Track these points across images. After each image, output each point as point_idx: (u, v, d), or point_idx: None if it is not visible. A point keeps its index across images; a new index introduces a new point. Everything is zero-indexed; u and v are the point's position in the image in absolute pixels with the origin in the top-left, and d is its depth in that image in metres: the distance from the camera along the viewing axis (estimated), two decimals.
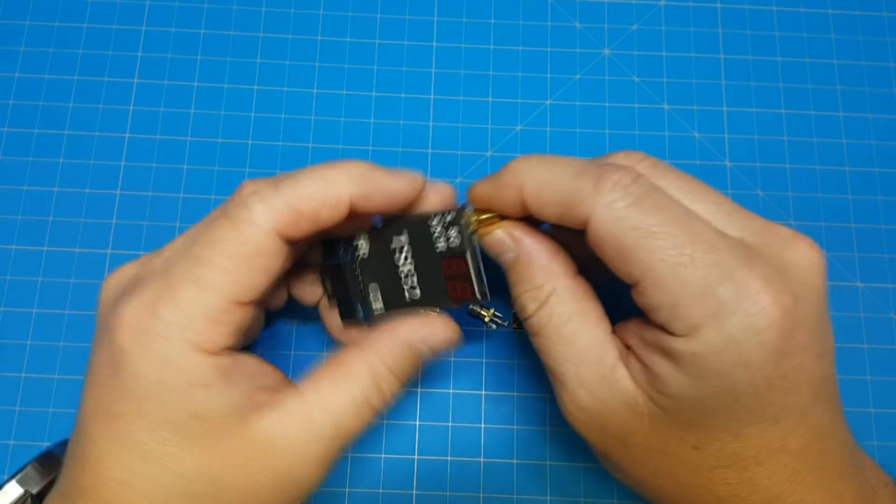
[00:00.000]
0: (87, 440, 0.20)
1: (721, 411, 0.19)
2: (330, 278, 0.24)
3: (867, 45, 0.35)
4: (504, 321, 0.30)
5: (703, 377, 0.19)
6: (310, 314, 0.31)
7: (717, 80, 0.34)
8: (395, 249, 0.22)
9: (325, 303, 0.26)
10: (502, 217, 0.23)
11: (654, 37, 0.35)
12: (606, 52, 0.35)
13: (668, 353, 0.20)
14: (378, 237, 0.22)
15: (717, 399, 0.19)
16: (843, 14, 0.35)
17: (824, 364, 0.20)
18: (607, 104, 0.34)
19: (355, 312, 0.24)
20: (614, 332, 0.22)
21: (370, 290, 0.23)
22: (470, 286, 0.21)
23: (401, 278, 0.22)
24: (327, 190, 0.20)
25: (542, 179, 0.21)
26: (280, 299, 0.26)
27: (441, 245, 0.22)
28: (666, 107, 0.34)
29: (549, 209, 0.21)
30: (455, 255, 0.21)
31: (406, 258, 0.22)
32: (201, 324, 0.19)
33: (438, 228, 0.22)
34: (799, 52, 0.35)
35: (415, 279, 0.22)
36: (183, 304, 0.19)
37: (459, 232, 0.21)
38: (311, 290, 0.26)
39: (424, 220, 0.22)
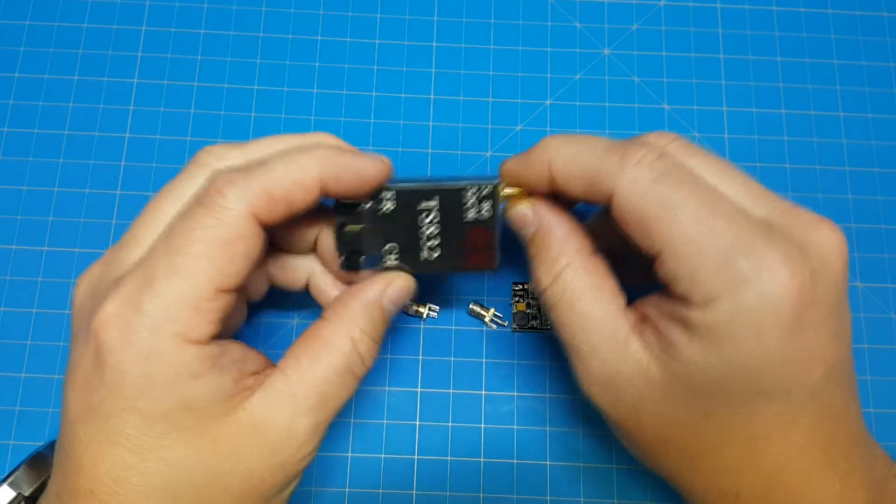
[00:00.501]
0: (77, 441, 0.20)
1: (733, 381, 0.20)
2: (342, 231, 0.24)
3: (867, 45, 0.35)
4: (504, 321, 0.30)
5: (716, 345, 0.19)
6: (314, 312, 0.31)
7: (717, 79, 0.34)
8: (421, 210, 0.23)
9: (317, 269, 0.26)
10: (529, 194, 0.24)
11: (654, 37, 0.35)
12: (606, 52, 0.35)
13: (684, 323, 0.20)
14: (406, 197, 0.23)
15: (730, 368, 0.19)
16: (843, 14, 0.35)
17: (839, 346, 0.20)
18: (607, 104, 0.34)
19: (360, 264, 0.24)
20: (633, 306, 0.22)
21: (386, 245, 0.24)
22: (491, 256, 0.24)
23: (420, 238, 0.24)
24: (297, 173, 0.21)
25: (569, 154, 0.22)
26: (261, 288, 0.27)
27: (471, 215, 0.23)
28: (666, 107, 0.34)
29: (574, 183, 0.22)
30: (483, 226, 0.23)
31: (432, 221, 0.23)
32: (186, 314, 0.19)
33: (472, 199, 0.23)
34: (799, 52, 0.35)
35: (436, 241, 0.24)
36: (165, 295, 0.19)
37: (492, 206, 0.23)
38: (293, 275, 0.26)
39: (459, 189, 0.23)
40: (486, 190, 0.23)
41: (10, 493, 0.26)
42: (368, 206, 0.24)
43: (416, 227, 0.24)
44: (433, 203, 0.23)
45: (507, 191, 0.24)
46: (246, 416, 0.20)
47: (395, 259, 0.24)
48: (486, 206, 0.23)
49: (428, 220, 0.24)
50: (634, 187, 0.20)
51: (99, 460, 0.20)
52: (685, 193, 0.20)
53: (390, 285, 0.23)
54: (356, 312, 0.23)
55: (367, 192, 0.23)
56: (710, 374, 0.20)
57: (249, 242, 0.20)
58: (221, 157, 0.22)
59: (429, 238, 0.24)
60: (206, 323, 0.20)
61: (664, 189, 0.20)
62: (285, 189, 0.21)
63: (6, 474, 0.27)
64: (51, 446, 0.28)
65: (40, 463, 0.27)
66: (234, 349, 0.21)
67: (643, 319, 0.22)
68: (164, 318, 0.19)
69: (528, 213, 0.24)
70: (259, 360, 0.22)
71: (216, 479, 0.20)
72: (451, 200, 0.23)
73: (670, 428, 0.21)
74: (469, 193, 0.23)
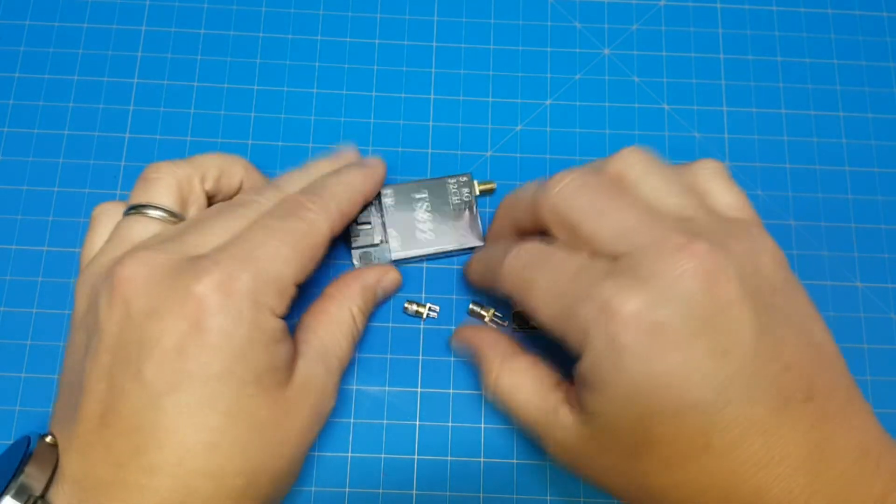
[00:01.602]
0: (163, 414, 0.20)
1: (623, 424, 0.21)
2: (357, 228, 0.30)
3: (867, 45, 0.35)
4: (504, 321, 0.30)
5: (598, 393, 0.21)
6: None
7: (717, 79, 0.34)
8: (415, 199, 0.29)
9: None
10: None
11: (654, 37, 0.35)
12: (606, 52, 0.35)
13: (579, 377, 0.22)
14: (402, 192, 0.30)
15: (617, 410, 0.21)
16: (843, 14, 0.35)
17: (729, 360, 0.20)
18: (607, 104, 0.34)
19: (372, 257, 0.30)
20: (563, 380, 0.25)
21: (389, 232, 0.30)
22: (473, 229, 0.30)
23: (416, 222, 0.30)
24: (357, 194, 0.27)
25: (513, 197, 0.27)
26: None
27: (455, 199, 0.29)
28: (666, 107, 0.34)
29: (523, 220, 0.26)
30: (466, 207, 0.30)
31: (424, 209, 0.30)
32: (274, 295, 0.22)
33: (454, 188, 0.30)
34: (799, 52, 0.35)
35: (429, 224, 0.30)
36: (265, 273, 0.22)
37: (470, 192, 0.30)
38: None
39: (444, 180, 0.30)
40: (464, 179, 0.30)
41: None
42: (373, 204, 0.30)
43: (411, 215, 0.30)
44: (423, 194, 0.30)
45: (484, 185, 0.31)
46: (298, 377, 0.24)
47: (397, 242, 0.30)
48: (466, 191, 0.30)
49: (420, 208, 0.30)
50: (554, 207, 0.24)
51: (192, 429, 0.20)
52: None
53: (385, 276, 0.29)
54: (356, 292, 0.28)
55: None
56: (612, 421, 0.21)
57: (323, 250, 0.25)
58: (288, 181, 0.27)
59: (423, 222, 0.30)
60: (284, 304, 0.23)
61: (567, 211, 0.23)
62: (352, 209, 0.26)
63: (6, 483, 0.23)
64: (23, 441, 0.25)
65: (41, 461, 0.25)
66: (285, 324, 0.24)
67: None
68: (263, 292, 0.22)
69: (457, 340, 0.29)
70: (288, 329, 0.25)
71: (284, 438, 0.23)
72: (439, 189, 0.30)
73: (622, 464, 0.22)
74: (451, 183, 0.30)
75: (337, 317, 0.27)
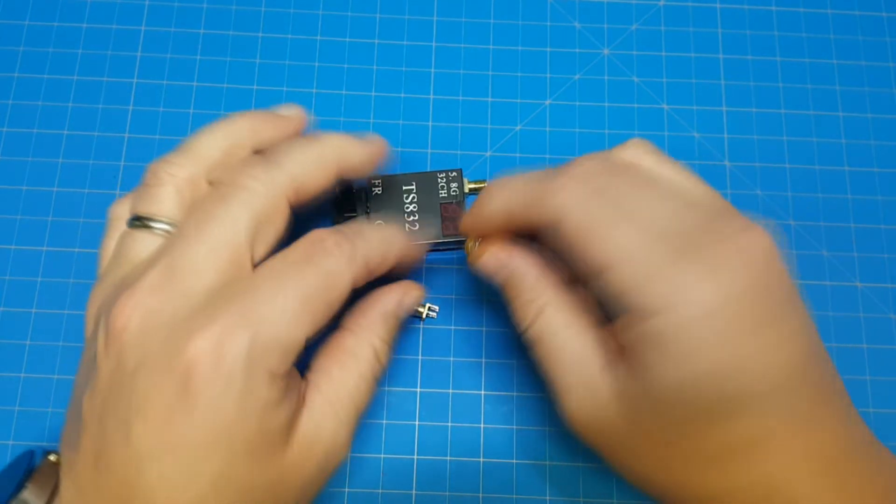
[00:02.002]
0: (143, 479, 0.19)
1: (703, 391, 0.19)
2: (342, 211, 0.29)
3: (867, 44, 0.35)
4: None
5: (681, 353, 0.19)
6: None
7: (716, 80, 0.34)
8: (404, 191, 0.29)
9: None
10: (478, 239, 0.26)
11: (654, 37, 0.35)
12: (606, 52, 0.35)
13: (646, 340, 0.20)
14: (391, 182, 0.29)
15: (699, 376, 0.19)
16: (843, 14, 0.35)
17: (802, 343, 0.20)
18: (607, 104, 0.34)
19: None
20: (612, 332, 0.22)
21: (376, 222, 0.29)
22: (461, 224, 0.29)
23: (404, 214, 0.29)
24: (388, 249, 0.23)
25: (509, 190, 0.23)
26: None
27: (443, 193, 0.29)
28: (665, 107, 0.34)
29: (518, 216, 0.23)
30: (453, 200, 0.29)
31: (412, 201, 0.29)
32: (277, 358, 0.20)
33: (442, 182, 0.29)
34: (798, 52, 0.35)
35: (416, 216, 0.29)
36: (266, 336, 0.20)
37: (458, 186, 0.29)
38: None
39: (433, 174, 0.29)
40: (453, 174, 0.29)
41: None
42: (359, 190, 0.29)
43: (400, 207, 0.29)
44: (412, 187, 0.29)
45: (475, 184, 0.29)
46: (300, 436, 0.21)
47: None
48: (454, 185, 0.29)
49: (408, 200, 0.29)
50: (575, 201, 0.20)
51: (176, 494, 0.19)
52: (626, 204, 0.20)
53: (406, 296, 0.25)
54: (376, 322, 0.24)
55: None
56: (684, 387, 0.19)
57: (339, 306, 0.22)
58: (262, 176, 0.23)
59: (410, 214, 0.29)
60: (286, 367, 0.20)
61: (602, 204, 0.20)
62: (378, 263, 0.23)
63: (6, 497, 0.24)
64: (26, 456, 0.26)
65: (42, 479, 0.25)
66: (292, 371, 0.21)
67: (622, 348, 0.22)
68: (260, 357, 0.19)
69: (492, 261, 0.24)
70: (297, 375, 0.22)
71: (278, 498, 0.21)
72: (427, 182, 0.29)
73: (664, 452, 0.21)
74: (440, 177, 0.29)
75: (355, 355, 0.23)
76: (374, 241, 0.23)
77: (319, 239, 0.22)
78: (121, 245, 0.23)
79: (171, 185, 0.23)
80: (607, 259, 0.20)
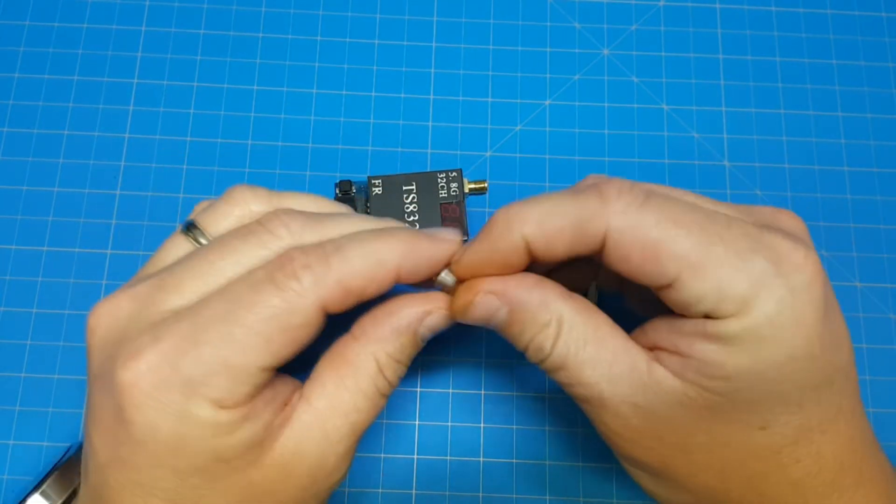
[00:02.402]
0: (108, 487, 0.19)
1: (782, 382, 0.19)
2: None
3: (866, 45, 0.35)
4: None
5: (760, 349, 0.19)
6: None
7: (716, 80, 0.34)
8: (404, 191, 0.29)
9: None
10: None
11: (654, 37, 0.35)
12: (605, 52, 0.35)
13: (716, 338, 0.19)
14: (391, 183, 0.29)
15: (778, 369, 0.19)
16: (842, 14, 0.35)
17: (846, 326, 0.21)
18: (606, 104, 0.34)
19: None
20: (633, 338, 0.21)
21: (384, 222, 0.28)
22: (462, 224, 0.29)
23: (404, 214, 0.28)
24: (377, 268, 0.20)
25: (541, 212, 0.20)
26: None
27: (443, 194, 0.28)
28: (665, 107, 0.34)
29: (558, 240, 0.20)
30: (453, 201, 0.28)
31: (412, 201, 0.28)
32: (225, 384, 0.18)
33: (442, 182, 0.29)
34: (798, 52, 0.35)
35: (416, 217, 0.28)
36: (209, 362, 0.18)
37: (458, 186, 0.28)
38: None
39: (433, 174, 0.29)
40: (453, 174, 0.29)
41: (41, 503, 0.26)
42: (358, 190, 0.29)
43: (399, 207, 0.29)
44: (412, 187, 0.29)
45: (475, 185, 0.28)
46: (277, 456, 0.20)
47: None
48: (454, 185, 0.28)
49: (408, 200, 0.29)
50: (627, 218, 0.19)
51: None
52: (679, 209, 0.19)
53: (431, 315, 0.22)
54: (386, 335, 0.21)
55: (431, 276, 0.22)
56: (759, 382, 0.19)
57: (310, 331, 0.19)
58: (297, 234, 0.21)
59: (410, 214, 0.28)
60: (242, 394, 0.19)
61: (657, 211, 0.19)
62: (361, 283, 0.20)
63: (36, 482, 0.26)
64: (79, 451, 0.27)
65: (70, 471, 0.27)
66: (266, 392, 0.20)
67: (653, 348, 0.21)
68: (202, 382, 0.18)
69: (489, 299, 0.21)
70: (285, 388, 0.21)
71: None
72: (428, 183, 0.29)
73: (726, 454, 0.20)
74: (440, 177, 0.29)
75: (356, 368, 0.21)
76: (356, 261, 0.20)
77: (289, 258, 0.19)
78: (166, 245, 0.23)
79: (242, 211, 0.22)
80: (678, 269, 0.19)
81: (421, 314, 0.21)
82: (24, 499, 0.26)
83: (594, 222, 0.19)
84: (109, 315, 0.20)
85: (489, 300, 0.21)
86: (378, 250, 0.20)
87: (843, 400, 0.20)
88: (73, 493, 0.26)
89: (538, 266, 0.21)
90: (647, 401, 0.20)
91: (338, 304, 0.20)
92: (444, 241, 0.21)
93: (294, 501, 0.20)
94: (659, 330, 0.21)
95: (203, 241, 0.22)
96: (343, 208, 0.24)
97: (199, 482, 0.19)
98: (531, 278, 0.21)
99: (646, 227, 0.19)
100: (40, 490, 0.26)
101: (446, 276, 0.22)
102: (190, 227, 0.22)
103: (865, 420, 0.21)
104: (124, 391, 0.18)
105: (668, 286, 0.19)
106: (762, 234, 0.19)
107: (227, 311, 0.19)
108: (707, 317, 0.19)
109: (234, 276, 0.20)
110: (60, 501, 0.26)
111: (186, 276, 0.20)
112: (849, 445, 0.20)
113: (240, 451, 0.19)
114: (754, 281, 0.19)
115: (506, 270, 0.21)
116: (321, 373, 0.21)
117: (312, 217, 0.21)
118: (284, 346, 0.19)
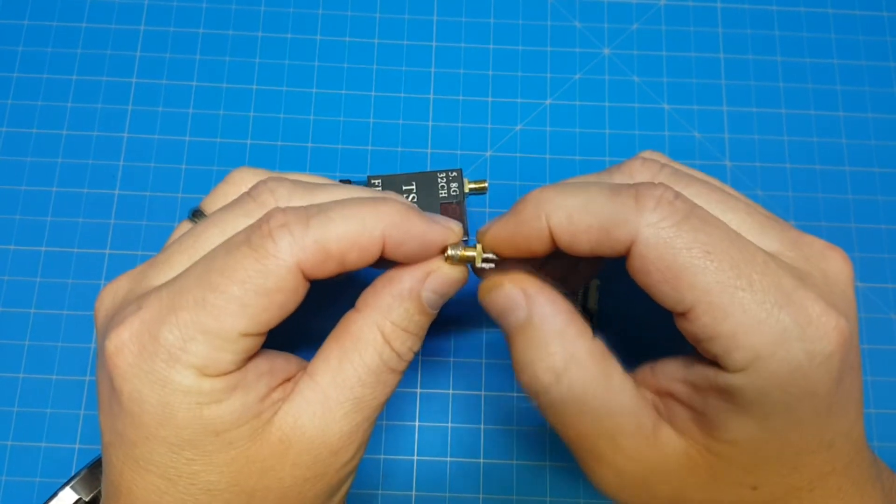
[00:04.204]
0: (111, 466, 0.20)
1: (783, 447, 0.18)
2: None
3: (867, 44, 0.35)
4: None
5: (768, 414, 0.18)
6: None
7: (717, 79, 0.34)
8: (404, 191, 0.28)
9: None
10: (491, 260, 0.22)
11: (655, 36, 0.35)
12: (606, 51, 0.35)
13: (725, 393, 0.18)
14: (390, 183, 0.28)
15: (781, 435, 0.18)
16: (843, 14, 0.35)
17: (861, 378, 0.20)
18: (607, 104, 0.34)
19: None
20: (641, 379, 0.21)
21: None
22: (462, 224, 0.27)
23: None
24: (360, 232, 0.19)
25: (572, 205, 0.19)
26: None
27: (443, 193, 0.28)
28: (666, 106, 0.34)
29: (583, 237, 0.19)
30: (454, 201, 0.28)
31: (412, 200, 0.28)
32: (204, 349, 0.18)
33: (443, 182, 0.28)
34: (799, 51, 0.35)
35: None
36: (186, 327, 0.18)
37: (458, 186, 0.28)
38: None
39: (433, 174, 0.28)
40: (453, 174, 0.28)
41: (72, 496, 0.26)
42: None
43: None
44: (412, 187, 0.28)
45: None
46: (275, 431, 0.19)
47: None
48: (454, 185, 0.28)
49: (408, 200, 0.28)
50: (658, 233, 0.18)
51: (133, 486, 0.19)
52: (715, 237, 0.18)
53: (433, 274, 0.20)
54: (387, 303, 0.20)
55: (425, 258, 0.21)
56: (762, 447, 0.18)
57: (289, 295, 0.19)
58: (283, 200, 0.20)
59: None
60: (225, 361, 0.18)
61: (692, 233, 0.18)
62: (342, 247, 0.19)
63: (70, 477, 0.27)
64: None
65: (96, 474, 0.27)
66: (260, 363, 0.20)
67: (662, 394, 0.20)
68: (182, 349, 0.18)
69: (517, 297, 0.20)
70: (288, 366, 0.21)
71: (254, 499, 0.19)
72: (427, 182, 0.28)
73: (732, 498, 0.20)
74: (440, 177, 0.28)
75: (360, 339, 0.20)
76: (338, 223, 0.19)
77: (267, 217, 0.19)
78: (174, 233, 0.23)
79: (239, 192, 0.22)
80: (694, 301, 0.18)
81: (421, 276, 0.20)
82: (56, 492, 0.27)
83: (624, 228, 0.18)
84: (109, 294, 0.21)
85: (516, 295, 0.20)
86: (364, 215, 0.19)
87: (839, 459, 0.19)
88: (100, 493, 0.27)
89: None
90: (647, 458, 0.19)
91: (317, 267, 0.19)
92: (440, 225, 0.20)
93: (296, 481, 0.19)
94: (672, 374, 0.20)
95: None
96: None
97: (192, 456, 0.18)
98: (566, 304, 0.20)
99: (675, 248, 0.18)
100: (71, 484, 0.27)
101: (455, 252, 0.21)
102: (195, 214, 0.23)
103: (863, 467, 0.20)
104: (110, 361, 0.18)
105: (683, 315, 0.18)
106: (796, 289, 0.18)
107: (200, 275, 0.18)
108: (717, 362, 0.19)
109: (219, 242, 0.20)
110: (89, 497, 0.27)
111: (175, 251, 0.20)
112: (836, 495, 0.20)
113: (231, 422, 0.18)
114: (773, 339, 0.17)
115: (526, 254, 0.21)
116: (326, 348, 0.20)
117: (301, 185, 0.20)
118: (263, 310, 0.18)
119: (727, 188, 0.22)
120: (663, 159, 0.22)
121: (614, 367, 0.20)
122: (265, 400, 0.19)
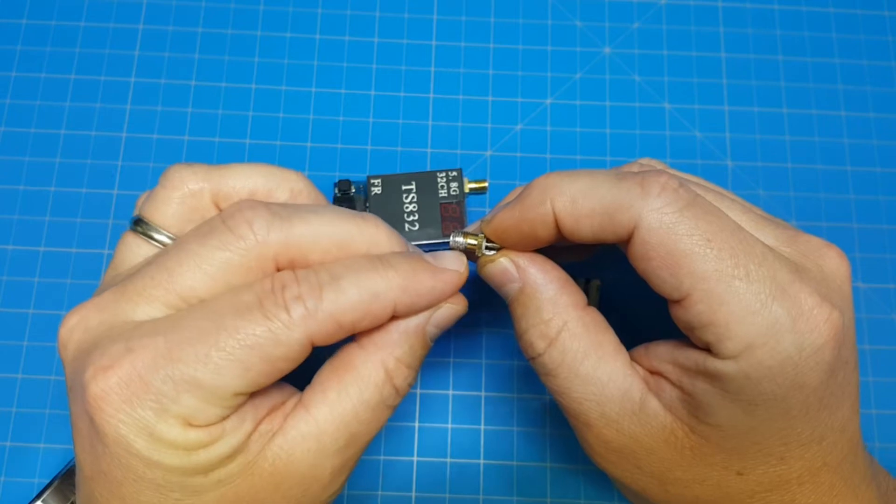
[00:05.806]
0: (94, 501, 0.19)
1: (770, 435, 0.19)
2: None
3: (869, 43, 0.35)
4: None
5: (755, 402, 0.18)
6: None
7: (718, 78, 0.34)
8: (404, 191, 0.28)
9: None
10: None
11: (655, 35, 0.35)
12: (607, 50, 0.35)
13: (714, 378, 0.19)
14: (390, 183, 0.28)
15: (768, 424, 0.18)
16: (845, 13, 0.35)
17: (857, 374, 0.20)
18: (608, 103, 0.34)
19: None
20: (635, 358, 0.21)
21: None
22: (462, 223, 0.28)
23: (403, 214, 0.28)
24: (372, 303, 0.19)
25: (577, 189, 0.20)
26: None
27: (443, 193, 0.28)
28: (667, 106, 0.34)
29: (587, 221, 0.20)
30: (453, 200, 0.28)
31: (411, 201, 0.28)
32: (195, 402, 0.18)
33: (442, 181, 0.28)
34: (800, 50, 0.35)
35: (415, 216, 0.28)
36: (181, 381, 0.17)
37: (458, 186, 0.28)
38: None
39: (433, 174, 0.28)
40: (453, 174, 0.28)
41: None
42: (357, 190, 0.29)
43: (399, 207, 0.28)
44: (412, 186, 0.28)
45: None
46: (268, 466, 0.19)
47: None
48: (454, 185, 0.28)
49: (408, 199, 0.28)
50: (661, 218, 0.18)
51: None
52: (716, 227, 0.18)
53: (439, 310, 0.20)
54: (394, 339, 0.20)
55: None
56: (747, 433, 0.19)
57: (293, 363, 0.18)
58: (262, 233, 0.19)
59: (409, 214, 0.28)
60: (213, 415, 0.18)
61: (694, 221, 0.18)
62: (354, 318, 0.19)
63: (36, 493, 0.26)
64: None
65: (69, 484, 0.27)
66: (245, 408, 0.19)
67: (653, 373, 0.21)
68: (174, 400, 0.17)
69: (510, 268, 0.21)
70: (280, 395, 0.20)
71: None
72: (427, 182, 0.28)
73: (700, 490, 0.20)
74: (440, 177, 0.28)
75: (360, 376, 0.19)
76: (351, 293, 0.18)
77: (281, 285, 0.18)
78: (119, 248, 0.22)
79: (180, 192, 0.21)
80: (691, 287, 0.18)
81: (429, 311, 0.20)
82: None
83: (627, 212, 0.19)
84: (79, 326, 0.19)
85: (510, 268, 0.21)
86: (375, 283, 0.19)
87: (831, 455, 0.19)
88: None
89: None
90: (633, 429, 0.20)
91: (328, 338, 0.19)
92: (447, 274, 0.20)
93: None
94: (663, 355, 0.21)
95: (155, 234, 0.21)
96: (293, 176, 0.22)
97: (181, 496, 0.18)
98: (559, 273, 0.21)
99: (676, 234, 0.18)
100: (41, 499, 0.26)
101: (458, 239, 0.23)
102: (137, 223, 0.21)
103: (858, 466, 0.20)
104: (94, 403, 0.18)
105: (678, 302, 0.19)
106: (792, 282, 0.18)
107: (206, 330, 0.18)
108: (709, 349, 0.19)
109: (196, 283, 0.19)
110: None
111: (148, 284, 0.19)
112: (828, 493, 0.20)
113: (219, 462, 0.18)
114: (765, 330, 0.18)
115: (530, 241, 0.21)
116: (323, 380, 0.20)
117: (278, 213, 0.19)
118: (263, 374, 0.18)
119: (724, 191, 0.22)
120: (660, 166, 0.23)
121: (606, 336, 0.21)
122: (253, 434, 0.19)
